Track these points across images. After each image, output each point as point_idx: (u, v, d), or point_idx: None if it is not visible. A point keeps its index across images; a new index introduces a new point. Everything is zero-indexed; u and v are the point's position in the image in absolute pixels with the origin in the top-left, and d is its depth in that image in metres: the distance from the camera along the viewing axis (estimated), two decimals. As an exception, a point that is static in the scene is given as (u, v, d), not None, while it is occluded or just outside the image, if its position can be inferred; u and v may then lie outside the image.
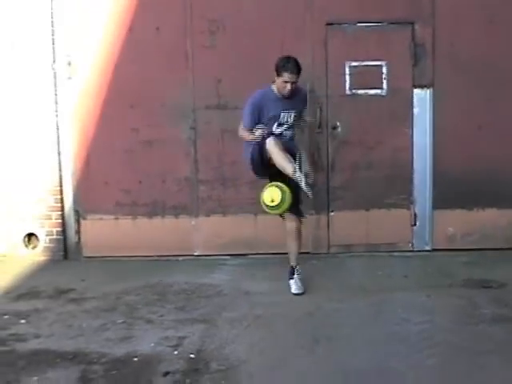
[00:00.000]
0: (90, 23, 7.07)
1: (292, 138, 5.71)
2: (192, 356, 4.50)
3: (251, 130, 5.57)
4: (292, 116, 5.64)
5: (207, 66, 7.02)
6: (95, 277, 6.56)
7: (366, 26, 6.98)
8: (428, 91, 7.06)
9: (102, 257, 7.16)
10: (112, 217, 7.23)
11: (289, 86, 5.45)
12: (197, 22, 7.00)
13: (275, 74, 5.53)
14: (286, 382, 4.20)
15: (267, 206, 5.50)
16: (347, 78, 7.02)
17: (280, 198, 5.39)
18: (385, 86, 7.06)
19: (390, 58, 7.02)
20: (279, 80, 5.51)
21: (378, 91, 7.07)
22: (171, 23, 7.03)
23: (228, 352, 4.55)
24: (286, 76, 5.45)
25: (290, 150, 5.51)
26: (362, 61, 7.01)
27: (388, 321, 5.09)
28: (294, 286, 5.73)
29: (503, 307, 5.32)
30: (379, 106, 7.07)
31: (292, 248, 5.81)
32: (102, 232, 7.22)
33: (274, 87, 5.58)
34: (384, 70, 7.03)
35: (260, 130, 5.51)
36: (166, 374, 4.24)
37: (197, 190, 7.19)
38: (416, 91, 7.07)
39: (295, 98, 5.69)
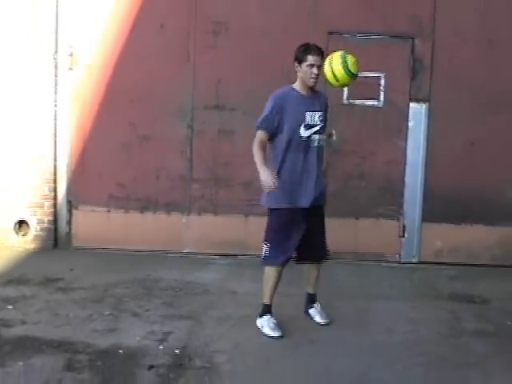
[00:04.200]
0: (94, 16, 7.12)
1: (320, 146, 5.02)
2: (177, 351, 4.55)
3: (268, 137, 4.91)
4: (317, 117, 4.98)
5: (208, 66, 7.08)
6: (84, 267, 6.59)
7: (366, 37, 7.07)
8: (424, 106, 7.14)
9: (92, 248, 7.20)
10: (104, 209, 7.27)
11: (315, 70, 4.90)
12: (201, 22, 7.06)
13: (296, 64, 4.98)
14: (268, 382, 4.25)
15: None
16: (345, 87, 7.08)
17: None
18: (382, 97, 7.14)
19: (388, 71, 7.10)
20: (303, 67, 4.94)
21: (375, 102, 7.14)
22: (175, 22, 7.08)
23: (213, 349, 4.60)
24: (311, 59, 4.91)
25: (312, 164, 4.97)
26: (361, 71, 7.05)
27: (373, 329, 5.16)
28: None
29: (485, 322, 5.40)
30: (375, 117, 7.15)
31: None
32: (94, 223, 7.27)
33: (295, 85, 5.05)
34: (382, 81, 7.10)
35: (270, 180, 4.69)
36: (151, 367, 4.29)
37: (190, 188, 7.24)
38: (412, 105, 7.15)
39: (317, 99, 5.08)
